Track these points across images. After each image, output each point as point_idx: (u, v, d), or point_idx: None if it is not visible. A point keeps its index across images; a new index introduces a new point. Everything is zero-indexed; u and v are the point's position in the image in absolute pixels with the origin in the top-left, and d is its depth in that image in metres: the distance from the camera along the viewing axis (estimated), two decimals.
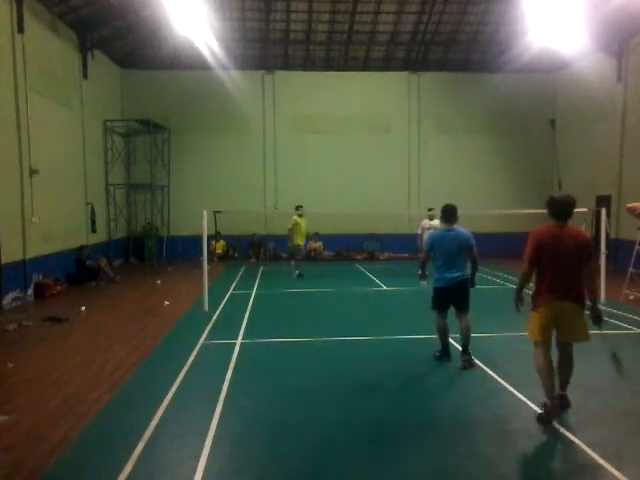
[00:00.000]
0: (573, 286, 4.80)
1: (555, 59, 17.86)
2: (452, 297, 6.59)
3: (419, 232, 14.31)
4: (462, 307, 6.63)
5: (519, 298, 5.05)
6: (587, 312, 4.88)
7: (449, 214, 6.65)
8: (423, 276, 7.08)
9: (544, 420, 4.81)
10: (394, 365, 6.68)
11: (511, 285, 12.78)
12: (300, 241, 14.43)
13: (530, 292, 5.03)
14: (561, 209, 4.87)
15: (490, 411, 5.23)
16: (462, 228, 6.70)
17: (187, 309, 10.24)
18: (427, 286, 7.09)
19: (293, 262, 14.59)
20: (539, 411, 4.93)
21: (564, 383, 5.04)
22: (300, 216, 14.26)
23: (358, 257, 18.39)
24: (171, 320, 9.29)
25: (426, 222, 14.08)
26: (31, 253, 11.56)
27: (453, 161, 19.63)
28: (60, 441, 4.55)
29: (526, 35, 16.15)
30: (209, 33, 15.83)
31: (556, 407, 4.83)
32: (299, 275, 14.04)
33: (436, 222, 13.38)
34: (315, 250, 18.17)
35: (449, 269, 6.51)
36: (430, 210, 14.06)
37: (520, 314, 5.13)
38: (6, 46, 10.98)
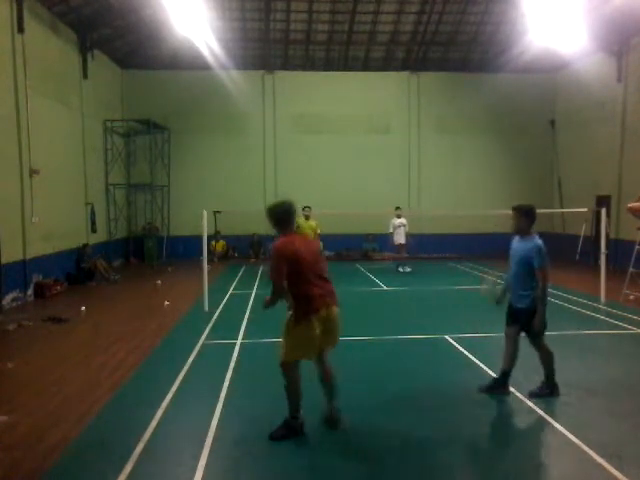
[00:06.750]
0: None
1: (555, 59, 17.85)
2: None
3: (390, 230, 15.29)
4: None
5: None
6: None
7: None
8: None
9: None
10: (394, 365, 6.67)
11: None
12: None
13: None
14: None
15: (490, 411, 5.23)
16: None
17: (187, 309, 10.23)
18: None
19: None
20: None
21: None
22: (307, 218, 13.45)
23: (358, 257, 18.38)
24: (171, 320, 9.29)
25: (396, 220, 15.19)
26: (31, 253, 11.56)
27: (453, 161, 19.63)
28: (60, 441, 4.55)
29: (526, 35, 16.15)
30: (209, 33, 15.82)
31: None
32: None
33: (403, 220, 15.18)
34: None
35: None
36: (397, 209, 15.20)
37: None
38: (6, 46, 10.98)
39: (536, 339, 5.45)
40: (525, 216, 5.45)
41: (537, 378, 5.57)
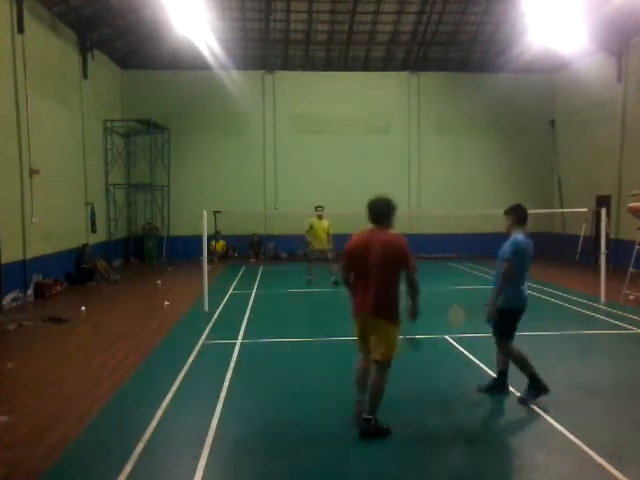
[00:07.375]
0: None
1: (555, 59, 17.85)
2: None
3: None
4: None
5: None
6: None
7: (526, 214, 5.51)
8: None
9: None
10: (394, 365, 6.64)
11: None
12: (317, 245, 13.31)
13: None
14: None
15: (489, 411, 5.22)
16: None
17: (187, 309, 10.23)
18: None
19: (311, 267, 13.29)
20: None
21: None
22: (319, 218, 13.32)
23: None
24: (171, 320, 9.29)
25: None
26: (31, 253, 11.55)
27: (453, 161, 19.63)
28: (60, 441, 4.55)
29: (526, 35, 16.14)
30: (209, 33, 15.82)
31: None
32: (308, 282, 13.07)
33: None
34: None
35: (524, 284, 5.35)
36: None
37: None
38: (6, 46, 10.97)
39: (500, 341, 5.40)
40: (513, 214, 5.54)
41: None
